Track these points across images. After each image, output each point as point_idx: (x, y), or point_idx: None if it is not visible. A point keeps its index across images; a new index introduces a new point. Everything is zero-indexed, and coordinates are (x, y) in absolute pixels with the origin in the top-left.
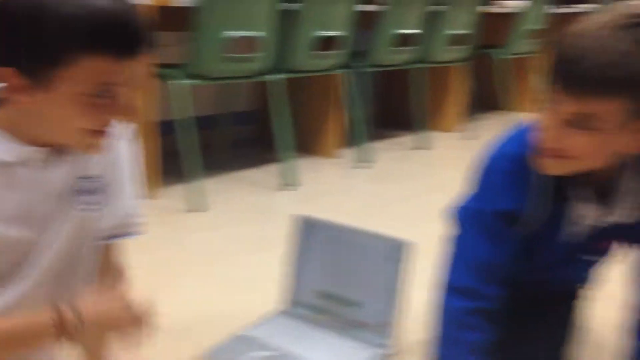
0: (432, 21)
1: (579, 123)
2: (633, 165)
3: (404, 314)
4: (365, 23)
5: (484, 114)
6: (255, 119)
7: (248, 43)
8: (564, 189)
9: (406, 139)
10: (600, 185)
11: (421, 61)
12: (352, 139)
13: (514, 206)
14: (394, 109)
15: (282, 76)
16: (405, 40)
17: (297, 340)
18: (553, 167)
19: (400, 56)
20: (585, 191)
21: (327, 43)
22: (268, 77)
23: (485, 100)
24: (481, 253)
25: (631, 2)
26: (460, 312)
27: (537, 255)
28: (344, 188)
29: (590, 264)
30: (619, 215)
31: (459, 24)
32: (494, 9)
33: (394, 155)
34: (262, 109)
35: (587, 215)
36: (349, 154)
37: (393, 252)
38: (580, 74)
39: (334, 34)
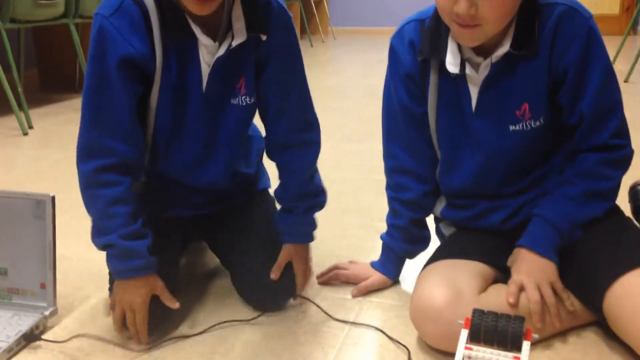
0: None
1: None
2: None
3: (58, 271)
4: None
5: None
6: None
7: None
8: (182, 26)
9: (74, 102)
10: (212, 19)
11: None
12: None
13: (134, 51)
14: (56, 69)
15: None
16: None
17: None
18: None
19: (45, 11)
20: (204, 26)
21: None
22: None
23: None
24: (99, 111)
25: None
26: (92, 173)
27: (186, 108)
28: (4, 157)
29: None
30: (238, 38)
31: None
32: None
33: (58, 119)
34: None
35: (210, 47)
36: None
37: (40, 208)
38: None
39: None
